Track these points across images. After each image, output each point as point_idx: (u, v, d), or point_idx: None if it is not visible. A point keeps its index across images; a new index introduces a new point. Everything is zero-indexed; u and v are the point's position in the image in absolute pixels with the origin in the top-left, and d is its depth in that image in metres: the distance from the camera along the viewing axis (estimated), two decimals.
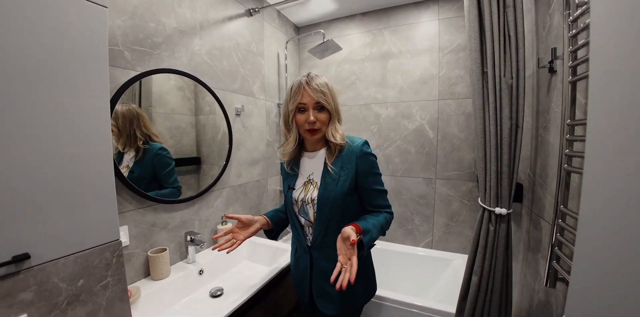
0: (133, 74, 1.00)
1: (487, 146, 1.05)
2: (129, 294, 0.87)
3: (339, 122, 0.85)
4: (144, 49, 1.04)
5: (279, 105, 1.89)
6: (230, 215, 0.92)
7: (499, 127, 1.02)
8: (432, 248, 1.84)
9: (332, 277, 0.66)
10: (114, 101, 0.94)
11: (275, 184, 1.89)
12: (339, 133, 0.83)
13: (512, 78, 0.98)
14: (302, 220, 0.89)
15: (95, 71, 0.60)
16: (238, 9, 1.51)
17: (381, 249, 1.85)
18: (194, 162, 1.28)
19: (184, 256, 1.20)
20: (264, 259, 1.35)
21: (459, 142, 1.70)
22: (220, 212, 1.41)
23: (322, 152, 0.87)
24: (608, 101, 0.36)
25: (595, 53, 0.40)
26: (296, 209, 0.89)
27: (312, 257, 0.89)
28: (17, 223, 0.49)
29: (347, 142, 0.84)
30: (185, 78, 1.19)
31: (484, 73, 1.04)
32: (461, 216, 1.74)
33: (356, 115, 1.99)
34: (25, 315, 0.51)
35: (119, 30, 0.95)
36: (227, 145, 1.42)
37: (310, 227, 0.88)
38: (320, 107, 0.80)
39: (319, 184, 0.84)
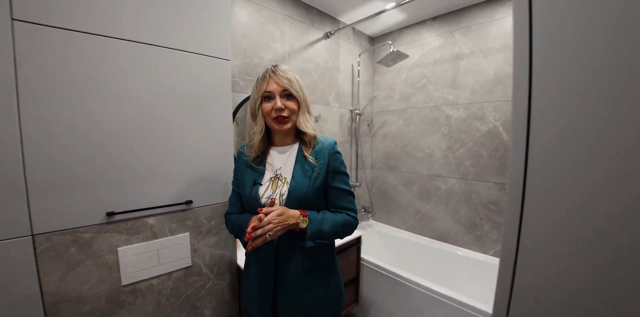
0: (244, 95, 1.47)
1: None
2: None
3: (309, 114, 0.83)
4: (251, 78, 1.51)
5: (351, 111, 2.17)
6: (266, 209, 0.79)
7: None
8: None
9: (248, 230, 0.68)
10: (234, 113, 1.43)
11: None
12: (310, 124, 0.82)
13: None
14: None
15: (224, 96, 1.05)
16: (317, 34, 1.86)
17: (447, 251, 1.89)
18: None
19: None
20: None
21: None
22: None
23: (294, 147, 0.84)
24: None
25: None
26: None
27: (278, 261, 0.80)
28: (188, 186, 0.96)
29: (320, 138, 0.84)
30: None
31: None
32: None
33: (426, 116, 2.06)
34: (188, 233, 0.98)
35: (236, 67, 1.44)
36: None
37: None
38: (287, 95, 0.78)
39: (289, 179, 0.80)
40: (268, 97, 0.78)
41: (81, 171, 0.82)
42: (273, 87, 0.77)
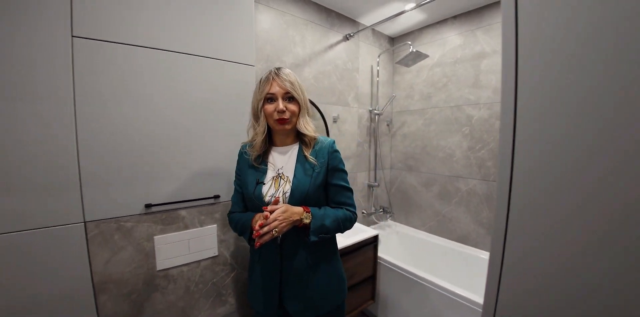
0: None
1: None
2: None
3: (308, 116, 0.86)
4: None
5: (370, 111, 2.19)
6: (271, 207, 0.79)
7: None
8: None
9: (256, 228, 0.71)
10: None
11: (363, 177, 2.21)
12: (310, 126, 0.85)
13: None
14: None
15: (249, 99, 1.12)
16: (337, 37, 1.91)
17: (467, 253, 1.86)
18: None
19: None
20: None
21: None
22: None
23: (294, 147, 0.88)
24: None
25: None
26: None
27: (283, 256, 0.83)
28: (216, 182, 1.04)
29: (319, 138, 0.88)
30: None
31: None
32: None
33: (447, 117, 2.03)
34: (215, 225, 1.07)
35: (259, 71, 1.52)
36: None
37: None
38: (289, 98, 0.81)
39: (291, 178, 0.83)
40: (271, 98, 0.80)
41: (124, 167, 0.93)
42: (276, 89, 0.79)
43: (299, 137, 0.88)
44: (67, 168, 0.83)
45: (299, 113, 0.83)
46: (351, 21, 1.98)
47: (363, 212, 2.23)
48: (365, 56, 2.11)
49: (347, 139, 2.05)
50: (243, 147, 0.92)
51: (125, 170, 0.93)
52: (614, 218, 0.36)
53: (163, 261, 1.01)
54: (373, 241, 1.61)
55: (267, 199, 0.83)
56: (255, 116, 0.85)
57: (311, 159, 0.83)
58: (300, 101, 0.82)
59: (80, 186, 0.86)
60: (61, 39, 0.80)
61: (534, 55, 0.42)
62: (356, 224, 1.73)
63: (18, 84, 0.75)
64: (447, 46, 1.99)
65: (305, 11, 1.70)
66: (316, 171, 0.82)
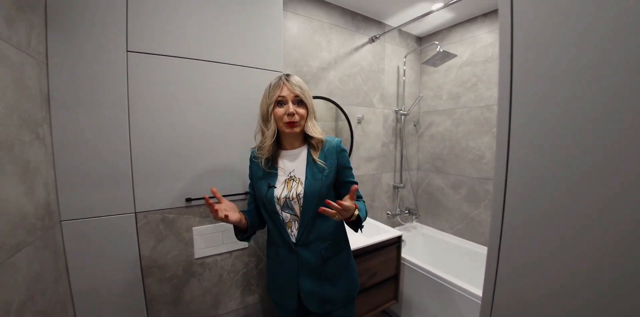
0: None
1: None
2: None
3: (315, 119, 0.90)
4: None
5: (396, 111, 2.18)
6: (215, 189, 0.83)
7: None
8: None
9: (322, 208, 0.71)
10: None
11: (388, 178, 2.21)
12: (317, 129, 0.88)
13: None
14: (287, 216, 0.88)
15: None
16: (363, 39, 1.94)
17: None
18: None
19: None
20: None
21: None
22: None
23: (303, 151, 0.91)
24: None
25: None
26: (278, 208, 0.87)
27: (299, 255, 0.88)
28: (246, 178, 1.12)
29: (326, 138, 0.91)
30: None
31: None
32: None
33: (477, 117, 1.97)
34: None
35: None
36: (349, 146, 1.89)
37: (295, 222, 0.88)
38: (299, 102, 0.85)
39: (302, 180, 0.87)
40: (281, 102, 0.84)
41: (168, 166, 1.04)
42: (286, 92, 0.82)
43: (307, 140, 0.91)
44: (122, 166, 0.96)
45: (307, 116, 0.86)
46: (377, 23, 2.00)
47: (388, 213, 2.23)
48: (391, 57, 2.11)
49: (372, 140, 2.06)
50: (253, 152, 0.95)
51: (169, 168, 1.04)
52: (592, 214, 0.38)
53: (200, 250, 1.12)
54: (396, 242, 1.61)
55: (281, 201, 0.86)
56: (265, 120, 0.87)
57: (320, 162, 0.87)
58: (308, 105, 0.86)
59: (132, 182, 0.98)
60: (119, 53, 0.93)
61: (528, 61, 0.44)
62: (379, 224, 1.75)
63: (84, 93, 0.89)
64: (477, 45, 1.93)
65: (331, 16, 1.75)
66: (326, 172, 0.87)
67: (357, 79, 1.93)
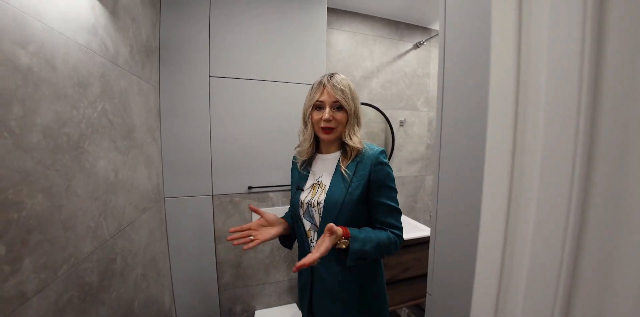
0: None
1: None
2: None
3: (357, 126, 0.81)
4: None
5: None
6: (254, 208, 0.82)
7: None
8: None
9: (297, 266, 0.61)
10: None
11: (432, 180, 2.22)
12: (357, 136, 0.80)
13: None
14: (307, 224, 0.84)
15: None
16: (406, 46, 2.03)
17: None
18: None
19: None
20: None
21: None
22: None
23: (335, 155, 0.84)
24: None
25: None
26: (301, 212, 0.83)
27: (314, 268, 0.82)
28: None
29: (364, 148, 0.80)
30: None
31: None
32: None
33: None
34: None
35: None
36: (390, 147, 2.01)
37: (315, 232, 0.83)
38: (338, 107, 0.77)
39: (327, 186, 0.79)
40: (319, 106, 0.78)
41: (237, 161, 1.37)
42: (325, 97, 0.76)
43: (343, 146, 0.83)
44: (205, 161, 1.32)
45: (346, 122, 0.79)
46: (422, 29, 2.07)
47: (430, 215, 2.24)
48: (437, 60, 2.14)
49: (415, 142, 2.13)
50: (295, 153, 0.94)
51: (237, 163, 1.37)
52: None
53: None
54: None
55: (304, 206, 0.82)
56: (304, 122, 0.84)
57: (346, 172, 0.77)
58: (349, 111, 0.77)
59: (211, 172, 1.34)
60: (203, 78, 1.29)
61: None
62: (418, 224, 1.82)
63: (180, 107, 1.27)
64: None
65: (374, 28, 1.91)
66: (354, 183, 0.76)
67: (400, 85, 2.03)
